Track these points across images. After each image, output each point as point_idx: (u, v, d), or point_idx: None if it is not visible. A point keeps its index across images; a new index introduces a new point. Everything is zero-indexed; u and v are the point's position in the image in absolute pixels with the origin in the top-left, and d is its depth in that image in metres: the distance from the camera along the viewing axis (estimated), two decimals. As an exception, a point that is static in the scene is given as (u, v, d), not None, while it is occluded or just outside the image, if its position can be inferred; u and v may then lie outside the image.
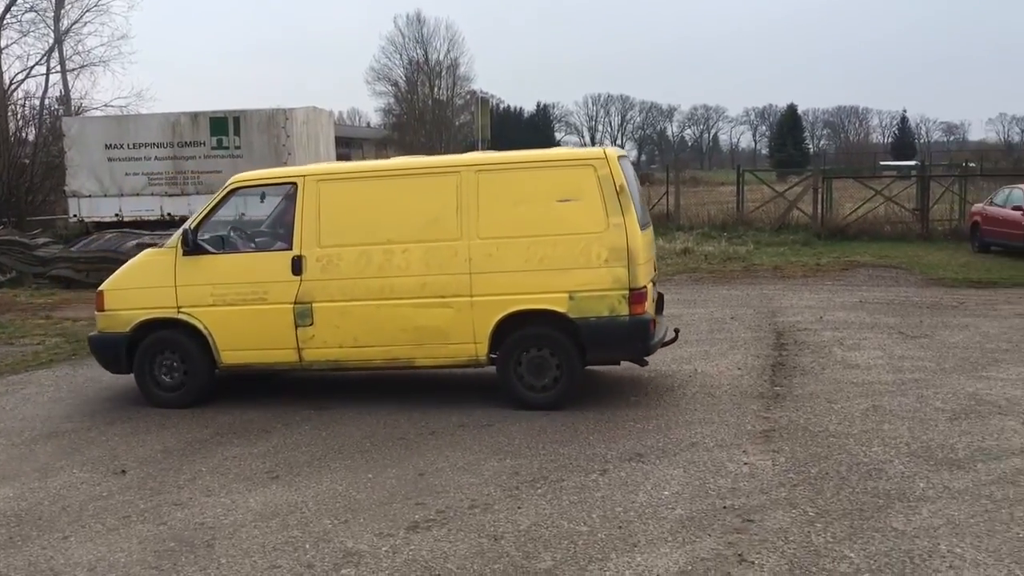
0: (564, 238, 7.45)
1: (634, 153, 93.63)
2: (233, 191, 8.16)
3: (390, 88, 65.06)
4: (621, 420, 7.24)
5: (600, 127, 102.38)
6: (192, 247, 7.95)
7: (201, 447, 6.99)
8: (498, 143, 29.88)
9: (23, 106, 31.81)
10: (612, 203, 7.42)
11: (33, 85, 35.10)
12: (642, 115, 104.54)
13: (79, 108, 33.37)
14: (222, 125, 21.09)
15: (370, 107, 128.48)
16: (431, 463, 6.36)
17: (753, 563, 4.58)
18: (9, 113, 29.46)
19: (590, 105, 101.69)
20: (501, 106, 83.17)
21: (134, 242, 17.38)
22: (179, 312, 7.98)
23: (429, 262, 7.60)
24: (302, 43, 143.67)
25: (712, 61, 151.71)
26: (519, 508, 5.45)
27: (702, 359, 9.35)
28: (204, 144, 21.09)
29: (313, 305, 7.75)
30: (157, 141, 21.18)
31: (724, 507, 5.34)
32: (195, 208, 20.82)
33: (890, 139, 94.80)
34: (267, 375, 8.91)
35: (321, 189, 7.85)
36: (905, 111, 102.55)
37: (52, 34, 34.47)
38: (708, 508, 5.33)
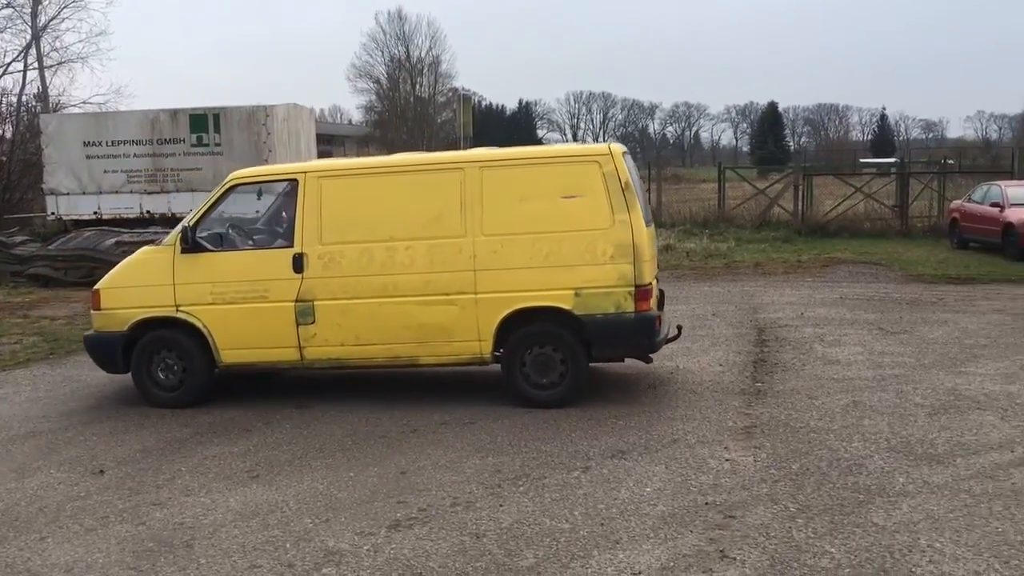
0: (569, 235, 7.42)
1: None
2: (232, 188, 8.06)
3: (372, 85, 64.79)
4: (603, 417, 7.24)
5: (582, 124, 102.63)
6: (191, 245, 7.86)
7: (181, 446, 6.94)
8: (480, 140, 29.82)
9: (0, 103, 31.50)
10: (617, 199, 7.40)
11: (10, 82, 34.67)
12: (624, 112, 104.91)
13: (57, 105, 33.06)
14: (202, 122, 20.92)
15: (352, 104, 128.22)
16: (413, 461, 6.34)
17: (735, 559, 4.59)
18: (-14, 110, 29.17)
19: (572, 102, 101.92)
20: (483, 103, 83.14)
21: (113, 240, 17.25)
22: (178, 311, 7.89)
23: (433, 259, 7.54)
24: (284, 40, 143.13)
25: (694, 59, 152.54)
26: (501, 506, 5.44)
27: (684, 356, 9.36)
28: (184, 141, 20.92)
29: (315, 303, 7.68)
30: (136, 138, 20.99)
31: (706, 503, 5.35)
32: (174, 206, 20.89)
33: (870, 136, 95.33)
34: (263, 374, 8.81)
35: (323, 186, 7.77)
36: (884, 108, 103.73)
37: (29, 30, 34.17)
38: (690, 504, 5.34)
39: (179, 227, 7.97)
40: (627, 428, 6.94)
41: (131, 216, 20.73)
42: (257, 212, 9.39)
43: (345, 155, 38.70)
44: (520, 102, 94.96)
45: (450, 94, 62.64)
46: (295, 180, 7.90)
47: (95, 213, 21.04)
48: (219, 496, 5.81)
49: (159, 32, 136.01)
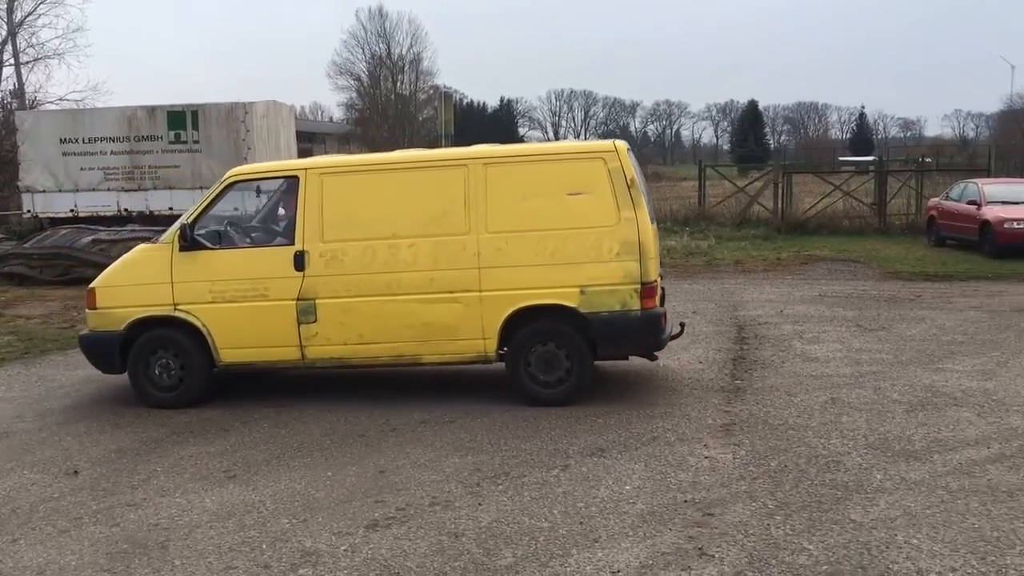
0: (574, 232, 7.37)
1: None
2: (231, 184, 7.95)
3: (352, 82, 64.52)
4: (583, 415, 7.22)
5: (564, 122, 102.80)
6: (189, 243, 7.74)
7: (156, 447, 6.86)
8: (462, 138, 29.76)
9: (-25, 100, 31.17)
10: (623, 196, 7.36)
11: (-14, 78, 34.34)
12: (605, 110, 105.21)
13: (33, 102, 32.78)
14: (180, 119, 20.78)
15: (332, 101, 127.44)
16: (392, 460, 6.30)
17: (713, 557, 4.59)
18: (-39, 107, 28.82)
19: (554, 100, 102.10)
20: (464, 101, 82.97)
21: (89, 238, 17.05)
22: (176, 309, 7.78)
23: (437, 257, 7.47)
24: (263, 37, 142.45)
25: (675, 57, 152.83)
26: (480, 505, 5.41)
27: (664, 353, 9.33)
28: (162, 138, 20.78)
29: (316, 301, 7.59)
30: (113, 135, 20.83)
31: (685, 501, 5.34)
32: (152, 203, 20.75)
33: (849, 135, 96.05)
34: (259, 374, 8.73)
35: (325, 182, 7.67)
36: (863, 107, 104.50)
37: (5, 26, 33.82)
38: (669, 502, 5.34)
39: (177, 224, 7.83)
40: (607, 426, 6.93)
41: (108, 214, 20.56)
42: (236, 210, 9.29)
43: (326, 152, 38.49)
44: (502, 100, 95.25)
45: (431, 91, 62.52)
46: (296, 177, 7.79)
47: (72, 211, 20.86)
48: (195, 496, 5.75)
49: (138, 30, 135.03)
